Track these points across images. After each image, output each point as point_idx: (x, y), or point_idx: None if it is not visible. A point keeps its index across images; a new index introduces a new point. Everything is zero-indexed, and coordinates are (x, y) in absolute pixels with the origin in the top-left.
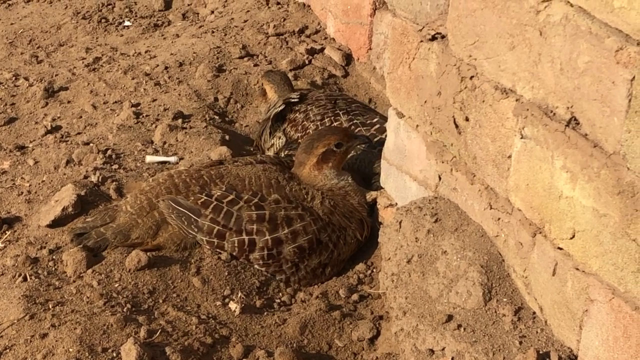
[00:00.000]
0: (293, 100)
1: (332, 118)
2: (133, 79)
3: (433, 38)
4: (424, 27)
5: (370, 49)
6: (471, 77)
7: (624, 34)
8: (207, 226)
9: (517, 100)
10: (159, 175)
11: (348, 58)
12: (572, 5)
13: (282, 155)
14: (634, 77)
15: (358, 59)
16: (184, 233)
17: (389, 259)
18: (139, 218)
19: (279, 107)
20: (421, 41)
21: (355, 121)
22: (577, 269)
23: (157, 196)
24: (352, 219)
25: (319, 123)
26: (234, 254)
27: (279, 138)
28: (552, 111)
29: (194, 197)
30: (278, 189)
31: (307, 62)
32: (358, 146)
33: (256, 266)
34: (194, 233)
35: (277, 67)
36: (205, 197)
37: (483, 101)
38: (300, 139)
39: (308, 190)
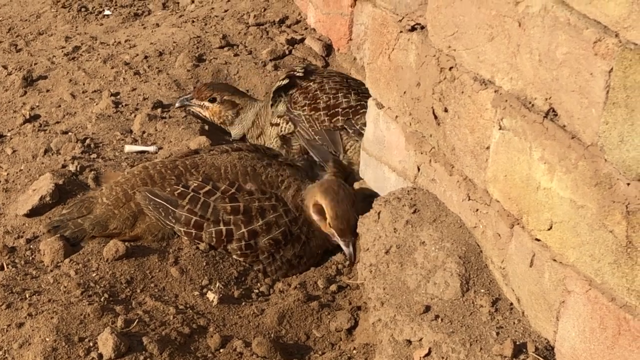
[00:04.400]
0: (298, 74)
1: (345, 93)
2: (112, 68)
3: (412, 29)
4: (403, 18)
5: (350, 39)
6: (450, 68)
7: (603, 25)
8: (185, 217)
9: (495, 91)
10: (134, 168)
11: (328, 48)
12: None
13: (274, 143)
14: (611, 69)
15: (338, 49)
16: (161, 224)
17: (368, 249)
18: (115, 209)
19: (282, 80)
20: (401, 32)
21: (362, 102)
22: (555, 260)
23: (132, 187)
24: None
25: (331, 96)
26: (212, 244)
27: (287, 122)
28: (530, 102)
29: (170, 188)
30: (254, 176)
31: (287, 52)
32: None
33: (234, 257)
34: (171, 224)
35: (258, 57)
36: (182, 188)
37: (462, 92)
38: (307, 106)
39: (284, 179)
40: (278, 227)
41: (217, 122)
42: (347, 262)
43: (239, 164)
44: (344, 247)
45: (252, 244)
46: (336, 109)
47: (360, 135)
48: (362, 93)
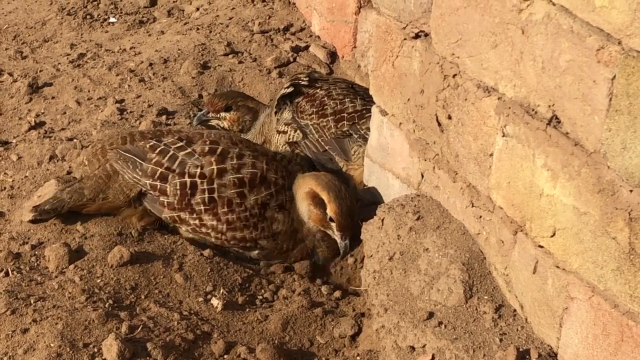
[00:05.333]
0: (303, 82)
1: (352, 98)
2: (117, 75)
3: (416, 36)
4: (407, 25)
5: (354, 47)
6: (454, 76)
7: (605, 33)
8: (151, 169)
9: (499, 98)
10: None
11: (333, 56)
12: (554, 4)
13: (282, 150)
14: (614, 76)
15: (343, 57)
16: (129, 178)
17: (371, 256)
18: (91, 172)
19: (287, 88)
20: (405, 39)
21: (367, 107)
22: (558, 267)
23: (111, 144)
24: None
25: (338, 101)
26: (176, 199)
27: (295, 130)
28: (533, 110)
29: (143, 142)
30: (241, 141)
31: (292, 59)
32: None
33: (193, 221)
34: (138, 177)
35: (262, 64)
36: (154, 142)
37: (465, 99)
38: (314, 114)
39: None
40: (253, 168)
41: (235, 130)
42: (339, 258)
43: (226, 134)
44: (339, 241)
45: (214, 197)
46: (342, 114)
47: (365, 140)
48: (367, 98)
